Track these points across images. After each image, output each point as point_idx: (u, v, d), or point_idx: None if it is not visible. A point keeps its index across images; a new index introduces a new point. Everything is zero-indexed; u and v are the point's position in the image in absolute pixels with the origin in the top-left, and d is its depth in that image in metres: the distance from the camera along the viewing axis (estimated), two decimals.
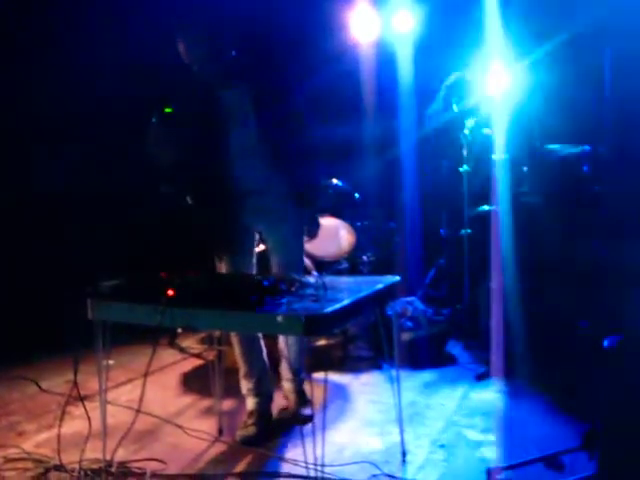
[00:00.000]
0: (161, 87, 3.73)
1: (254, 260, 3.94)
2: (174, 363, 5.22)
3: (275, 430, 3.83)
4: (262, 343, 3.95)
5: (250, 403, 3.87)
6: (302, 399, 4.02)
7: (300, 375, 4.05)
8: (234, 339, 3.91)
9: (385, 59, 6.43)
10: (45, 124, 5.96)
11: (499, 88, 5.16)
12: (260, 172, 3.70)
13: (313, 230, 4.04)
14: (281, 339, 4.02)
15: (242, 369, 3.92)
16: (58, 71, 5.67)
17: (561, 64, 4.89)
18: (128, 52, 5.51)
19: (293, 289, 2.95)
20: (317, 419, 3.62)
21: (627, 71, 2.65)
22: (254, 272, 3.90)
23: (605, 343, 2.51)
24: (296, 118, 3.73)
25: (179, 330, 5.57)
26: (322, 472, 3.08)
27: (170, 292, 2.83)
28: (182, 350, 5.46)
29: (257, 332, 3.78)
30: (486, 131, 5.45)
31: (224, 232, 3.81)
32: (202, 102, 3.65)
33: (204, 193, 3.81)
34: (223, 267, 3.84)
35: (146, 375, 3.08)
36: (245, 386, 3.91)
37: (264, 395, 3.90)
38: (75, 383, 3.19)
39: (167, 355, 5.36)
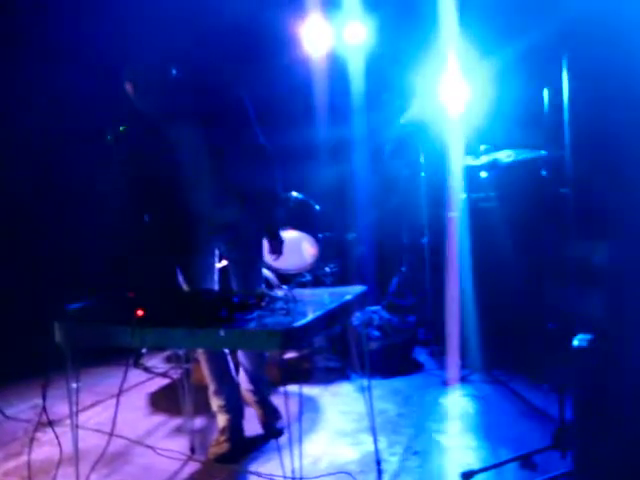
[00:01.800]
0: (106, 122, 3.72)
1: (215, 277, 3.94)
2: (140, 383, 5.16)
3: (248, 445, 3.81)
4: (229, 359, 3.93)
5: (221, 420, 3.84)
6: (269, 410, 4.00)
7: (261, 386, 4.03)
8: (202, 357, 3.89)
9: (337, 71, 6.45)
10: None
11: (454, 95, 5.23)
12: (216, 200, 3.74)
13: (277, 248, 4.05)
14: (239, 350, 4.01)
15: (211, 386, 3.89)
16: None
17: (518, 72, 4.99)
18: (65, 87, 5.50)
19: (262, 304, 2.95)
20: (291, 431, 3.62)
21: (586, 76, 2.72)
22: (216, 288, 3.90)
23: (575, 342, 2.56)
24: (248, 137, 3.76)
25: (143, 350, 5.55)
26: None
27: (140, 312, 2.80)
28: (147, 370, 5.40)
29: (230, 348, 3.77)
30: (442, 138, 5.52)
31: (182, 243, 3.82)
32: (150, 138, 3.68)
33: (161, 211, 3.83)
34: (184, 283, 3.84)
35: (119, 396, 3.05)
36: (215, 403, 3.88)
37: (235, 410, 3.86)
38: (44, 408, 3.14)
39: (133, 375, 5.29)
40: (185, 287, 3.82)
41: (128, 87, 3.58)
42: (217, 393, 3.87)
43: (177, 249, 3.87)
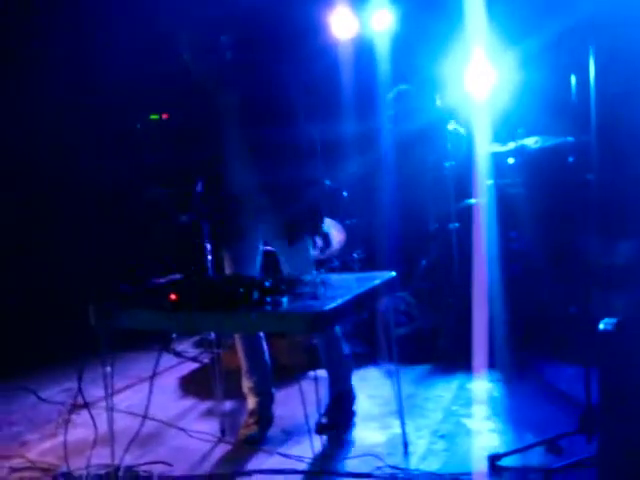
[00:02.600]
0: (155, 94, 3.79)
1: (258, 263, 3.95)
2: (171, 367, 5.25)
3: (277, 428, 3.88)
4: (264, 343, 3.98)
5: (251, 402, 3.91)
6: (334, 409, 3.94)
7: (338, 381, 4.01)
8: (237, 337, 3.95)
9: (364, 58, 6.45)
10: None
11: (480, 83, 5.23)
12: (257, 177, 3.74)
13: (325, 241, 4.06)
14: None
15: (244, 367, 3.95)
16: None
17: (544, 59, 4.98)
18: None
19: (293, 289, 3.00)
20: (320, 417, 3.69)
21: (612, 64, 2.74)
22: (257, 272, 3.90)
23: (600, 326, 2.58)
24: (291, 124, 3.77)
25: (173, 335, 5.64)
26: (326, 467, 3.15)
27: (173, 297, 2.87)
28: (178, 354, 5.49)
29: (261, 331, 3.83)
30: (467, 126, 5.53)
31: (228, 227, 3.85)
32: (199, 106, 3.71)
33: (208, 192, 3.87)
34: (227, 263, 3.89)
35: (152, 378, 3.13)
36: (246, 385, 3.94)
37: (265, 394, 3.92)
38: (80, 390, 3.23)
39: (163, 360, 5.37)
40: (228, 271, 3.87)
41: (184, 51, 3.65)
42: (248, 374, 3.93)
43: (224, 233, 3.92)
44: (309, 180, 3.84)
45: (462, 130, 5.56)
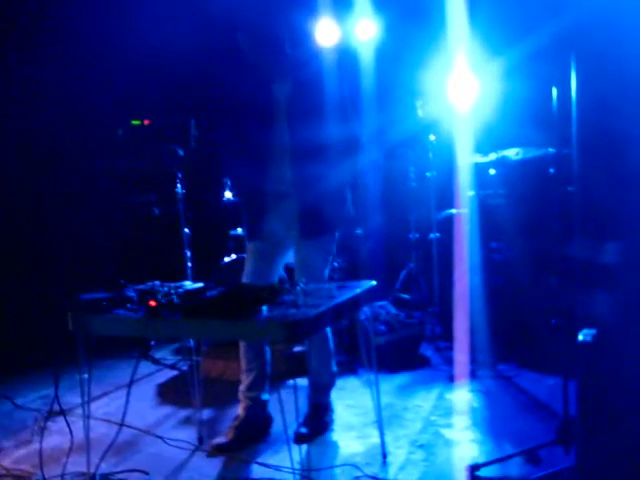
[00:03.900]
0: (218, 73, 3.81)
1: (282, 260, 3.96)
2: (149, 375, 5.21)
3: (257, 436, 3.83)
4: (266, 349, 3.92)
5: (240, 406, 3.88)
6: (315, 413, 3.96)
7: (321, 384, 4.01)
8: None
9: (346, 68, 6.46)
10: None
11: (463, 93, 5.26)
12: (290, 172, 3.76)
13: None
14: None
15: (242, 365, 3.91)
16: None
17: (526, 70, 5.01)
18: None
19: (275, 297, 2.98)
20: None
21: (594, 75, 2.75)
22: (276, 278, 3.88)
23: (579, 337, 2.59)
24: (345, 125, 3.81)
25: (152, 342, 5.59)
26: (305, 476, 3.13)
27: (152, 303, 2.85)
28: (156, 362, 5.45)
29: (238, 340, 3.81)
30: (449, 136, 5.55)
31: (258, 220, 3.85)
32: (257, 91, 3.76)
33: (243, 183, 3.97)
34: (248, 258, 3.89)
35: (130, 386, 3.10)
36: (241, 385, 3.90)
37: (254, 400, 3.87)
38: (56, 397, 3.19)
39: (141, 367, 5.33)
40: (247, 266, 3.87)
41: (243, 38, 3.68)
42: (243, 373, 3.89)
43: (252, 226, 3.92)
44: (344, 181, 3.87)
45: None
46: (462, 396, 4.40)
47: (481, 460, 3.32)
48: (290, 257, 3.95)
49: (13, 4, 5.74)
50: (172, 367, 5.32)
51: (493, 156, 5.25)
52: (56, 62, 5.97)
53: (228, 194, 5.56)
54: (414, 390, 4.56)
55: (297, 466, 3.30)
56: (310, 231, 3.79)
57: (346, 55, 5.64)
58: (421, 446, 3.66)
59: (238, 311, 2.77)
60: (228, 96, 3.93)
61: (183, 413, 4.30)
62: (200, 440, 3.84)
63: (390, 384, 4.64)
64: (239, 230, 5.66)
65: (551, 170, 4.09)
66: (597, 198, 2.84)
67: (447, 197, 5.54)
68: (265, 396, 3.92)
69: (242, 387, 3.90)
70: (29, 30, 5.92)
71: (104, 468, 3.39)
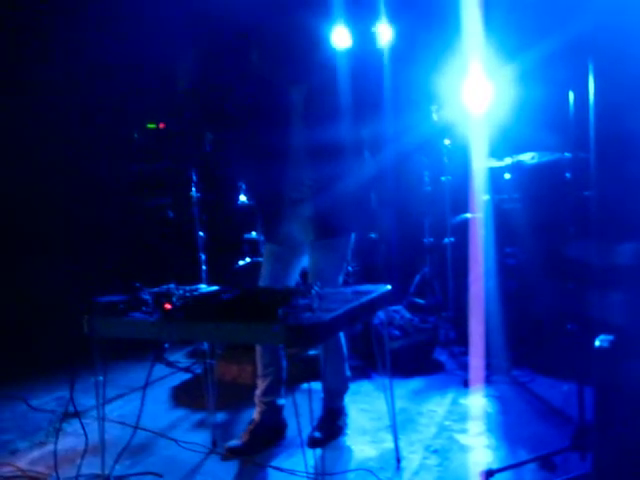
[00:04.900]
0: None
1: (299, 264, 3.95)
2: (163, 377, 5.21)
3: (271, 441, 3.84)
4: (282, 354, 3.92)
5: (255, 410, 3.88)
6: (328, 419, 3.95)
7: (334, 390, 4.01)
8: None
9: (361, 71, 6.46)
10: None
11: (478, 98, 5.24)
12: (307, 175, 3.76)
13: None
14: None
15: (258, 370, 3.91)
16: None
17: (542, 74, 4.99)
18: None
19: (289, 301, 2.98)
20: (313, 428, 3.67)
21: (611, 79, 2.74)
22: (292, 282, 3.88)
23: (596, 343, 2.57)
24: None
25: (166, 345, 5.62)
26: None
27: (167, 306, 2.86)
28: (170, 364, 5.46)
29: (249, 343, 3.81)
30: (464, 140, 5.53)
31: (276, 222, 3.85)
32: (273, 94, 3.76)
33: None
34: (265, 259, 3.90)
35: (144, 388, 3.11)
36: (257, 389, 3.90)
37: (269, 405, 3.87)
38: (71, 399, 3.21)
39: (155, 370, 5.35)
40: (264, 268, 3.88)
41: (256, 48, 3.70)
42: (259, 378, 3.89)
43: (269, 228, 3.93)
44: (362, 183, 3.85)
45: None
46: (476, 401, 4.38)
47: (495, 466, 3.30)
48: (306, 262, 3.95)
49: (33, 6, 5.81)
50: (186, 370, 5.33)
51: (508, 160, 5.23)
52: (74, 65, 6.00)
53: (243, 197, 5.56)
54: (428, 395, 4.54)
55: (311, 470, 3.30)
56: (323, 232, 3.78)
57: (363, 58, 5.62)
58: (435, 451, 3.65)
59: (252, 314, 2.77)
60: (244, 100, 3.93)
61: (197, 416, 4.30)
62: (214, 443, 3.84)
63: (404, 389, 4.63)
64: (253, 234, 5.67)
65: (567, 175, 4.07)
66: (614, 201, 2.83)
67: (462, 201, 5.52)
68: (281, 401, 3.92)
69: (258, 392, 3.89)
70: (48, 33, 5.97)
71: (118, 470, 3.41)
